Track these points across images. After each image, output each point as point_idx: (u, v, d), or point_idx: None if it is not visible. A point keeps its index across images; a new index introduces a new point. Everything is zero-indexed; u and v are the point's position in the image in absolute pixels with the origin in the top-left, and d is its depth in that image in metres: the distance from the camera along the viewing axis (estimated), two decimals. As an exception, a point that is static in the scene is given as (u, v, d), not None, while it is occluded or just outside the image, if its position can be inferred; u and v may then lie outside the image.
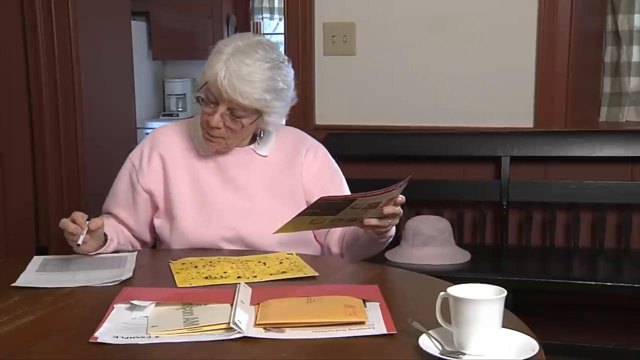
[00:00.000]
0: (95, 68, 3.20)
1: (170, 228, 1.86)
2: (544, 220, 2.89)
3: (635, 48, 3.10)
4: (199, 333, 1.23)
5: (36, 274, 1.61)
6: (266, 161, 1.89)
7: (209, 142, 1.83)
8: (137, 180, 1.89)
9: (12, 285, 1.51)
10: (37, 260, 1.72)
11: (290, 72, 1.83)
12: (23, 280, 1.54)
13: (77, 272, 1.62)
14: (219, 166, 1.87)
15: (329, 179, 1.94)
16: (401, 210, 1.64)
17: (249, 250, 1.81)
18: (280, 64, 1.79)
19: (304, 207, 1.66)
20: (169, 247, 1.87)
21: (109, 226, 1.81)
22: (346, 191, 1.94)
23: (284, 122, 1.91)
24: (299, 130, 2.06)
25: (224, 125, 1.77)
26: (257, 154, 1.89)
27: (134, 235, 1.92)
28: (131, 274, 1.59)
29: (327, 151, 2.00)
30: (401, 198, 1.62)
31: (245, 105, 1.73)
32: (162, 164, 1.89)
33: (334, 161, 2.00)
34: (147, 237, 1.93)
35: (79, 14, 3.07)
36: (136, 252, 1.78)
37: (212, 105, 1.76)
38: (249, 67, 1.72)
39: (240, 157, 1.88)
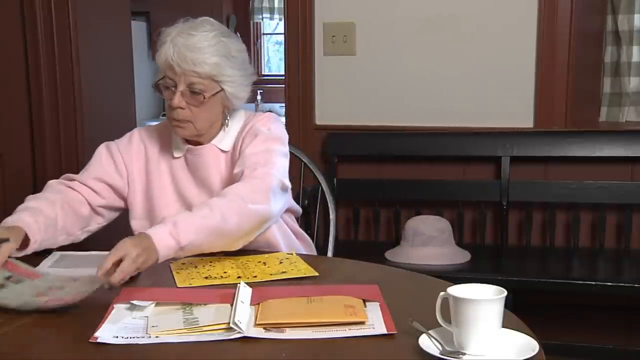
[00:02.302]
0: (95, 68, 3.20)
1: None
2: (544, 220, 2.89)
3: (635, 48, 3.10)
4: (199, 333, 1.23)
5: (48, 269, 1.62)
6: (227, 156, 1.86)
7: (177, 128, 1.80)
8: (118, 151, 1.87)
9: None
10: (54, 255, 1.74)
11: (241, 44, 1.83)
12: None
13: (85, 269, 1.61)
14: (190, 167, 1.86)
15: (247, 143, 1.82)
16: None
17: (249, 250, 1.81)
18: (227, 33, 1.80)
19: None
20: None
21: (36, 222, 1.68)
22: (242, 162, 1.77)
23: (246, 97, 1.84)
24: (258, 113, 1.97)
25: (187, 105, 1.76)
26: (220, 149, 1.86)
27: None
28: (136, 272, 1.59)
29: (266, 122, 1.86)
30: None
31: (200, 73, 1.73)
32: (145, 156, 1.89)
33: (261, 132, 1.82)
34: (94, 222, 1.86)
35: (79, 14, 3.07)
36: None
37: (172, 89, 1.76)
38: (195, 37, 1.73)
39: (207, 155, 1.85)
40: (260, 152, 1.77)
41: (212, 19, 1.83)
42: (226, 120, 1.85)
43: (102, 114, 3.26)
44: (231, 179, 1.80)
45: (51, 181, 1.88)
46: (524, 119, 2.89)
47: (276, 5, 6.70)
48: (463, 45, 2.92)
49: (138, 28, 5.55)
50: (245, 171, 1.73)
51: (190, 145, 1.86)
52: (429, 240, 2.62)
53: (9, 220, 1.66)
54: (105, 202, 1.87)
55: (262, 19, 6.89)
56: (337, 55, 3.04)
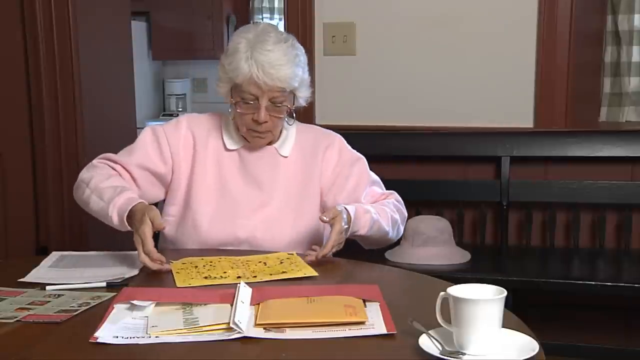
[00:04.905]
0: (95, 68, 3.20)
1: (183, 217, 1.85)
2: (544, 220, 2.89)
3: (635, 48, 3.11)
4: (199, 333, 1.23)
5: (48, 269, 1.64)
6: (287, 162, 1.89)
7: (258, 139, 1.83)
8: (165, 137, 1.87)
9: (20, 280, 1.53)
10: (54, 255, 1.74)
11: (300, 45, 1.88)
12: (32, 276, 1.56)
13: (85, 269, 1.63)
14: (243, 162, 1.87)
15: (343, 181, 1.92)
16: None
17: (249, 250, 1.81)
18: (289, 37, 1.84)
19: (317, 212, 1.83)
20: (174, 243, 1.86)
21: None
22: (360, 190, 1.92)
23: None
24: (317, 127, 2.05)
25: (269, 117, 1.78)
26: (280, 154, 1.89)
27: None
28: (137, 272, 1.59)
29: (344, 145, 1.98)
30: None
31: (284, 88, 1.76)
32: (194, 144, 1.88)
33: (354, 157, 1.97)
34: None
35: (79, 14, 3.07)
36: None
37: (251, 103, 1.77)
38: (273, 52, 1.75)
39: (265, 156, 1.88)
40: (375, 180, 1.99)
41: (267, 24, 1.87)
42: (292, 120, 1.92)
43: (102, 114, 3.26)
44: (288, 184, 1.86)
45: (95, 162, 1.86)
46: (524, 119, 2.89)
47: (276, 5, 6.69)
48: (463, 45, 2.92)
49: (138, 28, 5.54)
50: (388, 195, 1.96)
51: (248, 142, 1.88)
52: (429, 240, 2.62)
53: (128, 198, 1.66)
54: (140, 193, 1.84)
55: (262, 19, 6.87)
56: (337, 55, 3.04)
